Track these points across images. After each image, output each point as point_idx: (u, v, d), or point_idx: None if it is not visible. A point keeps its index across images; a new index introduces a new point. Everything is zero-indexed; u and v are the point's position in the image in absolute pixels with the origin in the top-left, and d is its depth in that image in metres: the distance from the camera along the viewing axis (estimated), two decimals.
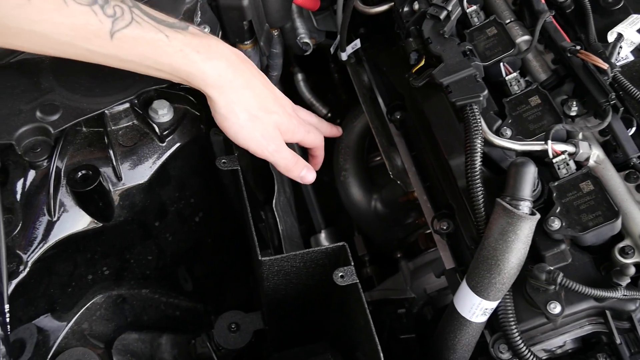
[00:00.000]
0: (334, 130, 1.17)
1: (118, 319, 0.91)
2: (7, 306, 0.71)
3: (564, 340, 0.84)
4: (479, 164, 0.83)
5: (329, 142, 1.38)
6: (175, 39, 0.81)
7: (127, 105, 0.86)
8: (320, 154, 1.10)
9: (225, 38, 1.01)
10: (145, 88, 0.84)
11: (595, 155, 0.87)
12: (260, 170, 1.16)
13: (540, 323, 0.82)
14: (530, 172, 0.78)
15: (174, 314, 0.99)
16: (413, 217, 1.30)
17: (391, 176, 1.12)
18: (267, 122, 0.91)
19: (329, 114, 1.44)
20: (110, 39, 0.77)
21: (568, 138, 0.88)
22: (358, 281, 0.80)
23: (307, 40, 1.20)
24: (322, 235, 1.40)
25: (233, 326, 0.99)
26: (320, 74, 1.54)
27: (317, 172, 1.54)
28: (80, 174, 0.81)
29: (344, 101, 1.54)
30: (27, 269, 0.78)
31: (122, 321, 0.92)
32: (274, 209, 1.20)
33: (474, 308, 0.79)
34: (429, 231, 1.27)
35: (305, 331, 1.04)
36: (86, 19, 0.75)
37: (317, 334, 1.06)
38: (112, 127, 0.86)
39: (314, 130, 1.05)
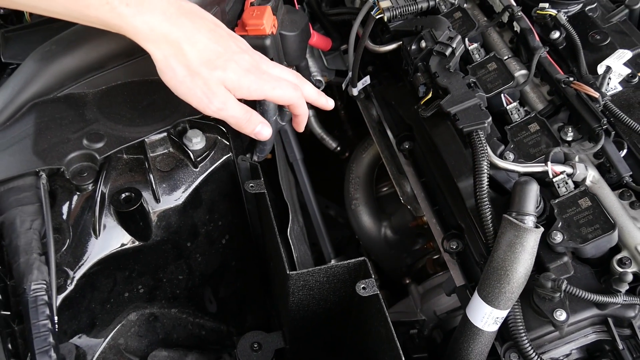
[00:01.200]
0: (322, 101, 1.07)
1: (150, 336, 0.96)
2: (55, 318, 0.77)
3: (570, 349, 0.89)
4: (486, 183, 0.90)
5: (339, 174, 1.47)
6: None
7: (164, 134, 0.94)
8: (299, 112, 1.02)
9: None
10: (180, 119, 0.92)
11: (591, 175, 0.94)
12: (274, 201, 1.22)
13: (548, 331, 0.87)
14: (533, 189, 0.85)
15: (200, 334, 1.05)
16: (420, 244, 1.36)
17: (402, 202, 1.19)
18: (209, 78, 0.85)
19: (338, 148, 1.52)
20: None
21: (566, 160, 0.96)
22: (379, 292, 0.86)
23: (319, 77, 1.29)
24: (334, 262, 1.45)
25: (255, 345, 1.04)
26: (325, 111, 1.62)
27: (325, 206, 1.61)
28: (123, 195, 0.88)
29: (349, 137, 1.63)
30: (73, 284, 0.84)
31: (155, 338, 0.97)
32: (289, 237, 1.26)
33: (486, 317, 0.84)
34: (436, 256, 1.34)
35: (324, 350, 1.09)
36: None
37: (335, 352, 1.11)
38: (151, 154, 0.93)
39: (285, 85, 0.95)
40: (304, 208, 1.54)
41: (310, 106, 1.50)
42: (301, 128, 1.08)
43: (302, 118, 1.04)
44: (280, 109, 1.27)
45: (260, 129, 0.95)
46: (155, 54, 0.84)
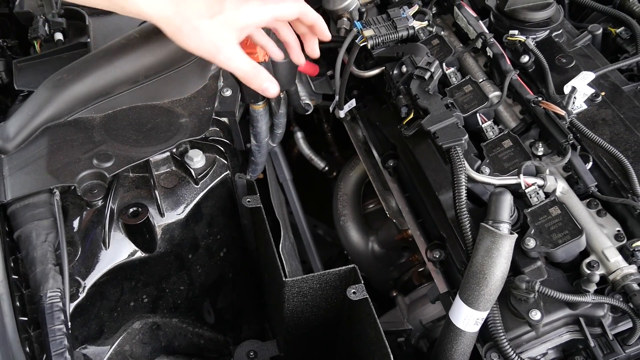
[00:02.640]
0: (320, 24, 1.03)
1: (154, 343, 1.02)
2: (69, 323, 0.83)
3: (546, 348, 0.95)
4: (465, 195, 0.98)
5: (328, 193, 1.54)
6: None
7: (167, 154, 1.01)
8: (312, 20, 1.01)
9: (243, 99, 1.17)
10: (182, 140, 0.99)
11: (560, 187, 1.02)
12: (269, 220, 1.29)
13: (525, 331, 0.94)
14: (507, 200, 0.93)
15: (199, 342, 1.10)
16: (406, 257, 1.43)
17: (388, 215, 1.26)
18: (212, 26, 0.87)
19: (326, 167, 1.59)
20: None
21: (537, 173, 1.03)
22: (368, 296, 0.93)
23: (308, 101, 1.38)
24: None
25: (251, 354, 1.10)
26: (313, 133, 1.70)
27: (314, 225, 1.67)
28: (131, 210, 0.94)
29: (336, 157, 1.71)
30: (85, 293, 0.90)
31: (157, 345, 1.02)
32: (280, 252, 1.33)
33: (467, 318, 0.91)
34: (421, 268, 1.41)
35: (317, 356, 1.15)
36: None
37: (329, 358, 1.17)
38: (155, 172, 1.00)
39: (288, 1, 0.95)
40: (294, 226, 1.61)
41: (299, 128, 1.59)
42: (325, 35, 1.04)
43: (319, 24, 1.02)
44: (272, 131, 1.35)
45: (268, 85, 0.95)
46: (159, 20, 0.87)
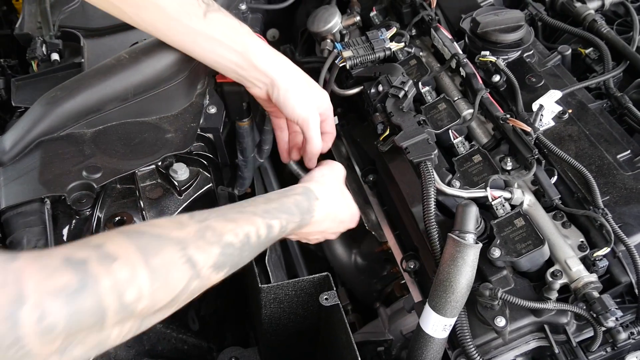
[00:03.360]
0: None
1: (138, 347, 1.07)
2: None
3: (514, 355, 0.99)
4: (434, 207, 1.03)
5: None
6: (244, 27, 1.07)
7: (153, 167, 1.07)
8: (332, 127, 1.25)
9: (229, 116, 1.23)
10: (167, 153, 1.05)
11: (528, 199, 1.07)
12: None
13: (492, 338, 0.98)
14: (473, 211, 0.98)
15: (183, 348, 1.15)
16: (388, 269, 1.48)
17: (367, 228, 1.32)
18: (314, 99, 1.13)
19: None
20: (203, 18, 1.01)
21: (506, 187, 1.09)
22: (339, 302, 0.98)
23: None
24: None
25: None
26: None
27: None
28: (117, 219, 1.00)
29: None
30: None
31: (141, 349, 1.07)
32: (267, 264, 1.38)
33: (435, 325, 0.95)
34: (403, 281, 1.45)
35: None
36: (192, 2, 1.01)
37: None
38: (141, 184, 1.06)
39: None
40: (283, 240, 1.66)
41: None
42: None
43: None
44: (259, 147, 1.42)
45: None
46: (283, 79, 1.10)
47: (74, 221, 1.00)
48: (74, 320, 0.57)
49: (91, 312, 0.59)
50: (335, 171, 1.12)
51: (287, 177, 1.72)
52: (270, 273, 1.35)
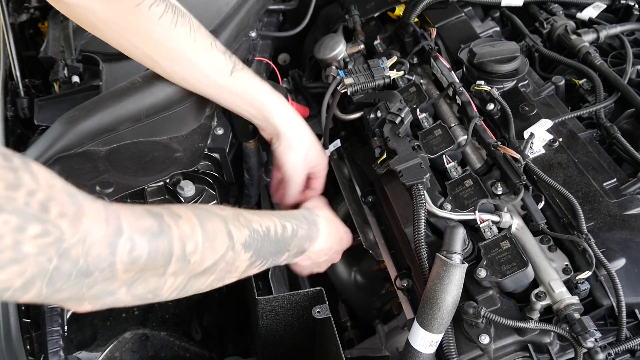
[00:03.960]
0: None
1: (142, 353, 1.13)
2: (66, 327, 0.95)
3: None
4: (423, 228, 1.08)
5: None
6: (264, 85, 1.19)
7: (161, 183, 1.14)
8: (320, 185, 1.41)
9: (235, 137, 1.31)
10: (176, 171, 1.12)
11: (516, 223, 1.11)
12: None
13: (477, 355, 1.02)
14: (460, 233, 1.02)
15: (185, 355, 1.21)
16: (387, 287, 1.53)
17: (364, 247, 1.37)
18: (308, 159, 1.27)
19: None
20: (230, 75, 1.13)
21: (496, 210, 1.14)
22: (331, 316, 1.04)
23: None
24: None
25: None
26: None
27: None
28: None
29: (331, 192, 1.82)
30: None
31: (145, 355, 1.14)
32: (270, 280, 1.44)
33: (423, 340, 0.99)
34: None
35: None
36: (220, 60, 1.13)
37: None
38: (150, 200, 1.14)
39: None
40: None
41: None
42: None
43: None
44: (266, 166, 1.49)
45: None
46: (287, 134, 1.23)
47: None
48: (152, 256, 0.71)
49: (163, 253, 0.73)
50: (323, 200, 1.29)
51: None
52: (273, 289, 1.42)
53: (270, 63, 1.49)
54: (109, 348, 1.10)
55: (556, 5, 1.55)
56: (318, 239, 1.13)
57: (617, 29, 1.47)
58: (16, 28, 1.53)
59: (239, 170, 1.45)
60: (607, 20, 1.55)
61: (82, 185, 1.06)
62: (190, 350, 1.22)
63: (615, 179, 1.14)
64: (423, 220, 1.09)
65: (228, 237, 0.85)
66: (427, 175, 1.14)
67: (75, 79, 1.34)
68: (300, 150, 1.23)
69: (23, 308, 0.94)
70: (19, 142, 1.23)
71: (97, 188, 1.06)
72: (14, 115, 1.30)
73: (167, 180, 1.14)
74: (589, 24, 1.53)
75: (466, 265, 1.01)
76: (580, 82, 1.36)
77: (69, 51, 1.35)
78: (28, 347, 0.90)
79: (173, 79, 1.14)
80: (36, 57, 1.45)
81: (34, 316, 0.95)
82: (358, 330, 1.56)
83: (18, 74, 1.31)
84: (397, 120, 1.23)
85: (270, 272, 1.42)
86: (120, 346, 1.11)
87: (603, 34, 1.46)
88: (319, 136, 1.57)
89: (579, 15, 1.55)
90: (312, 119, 1.59)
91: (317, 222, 1.15)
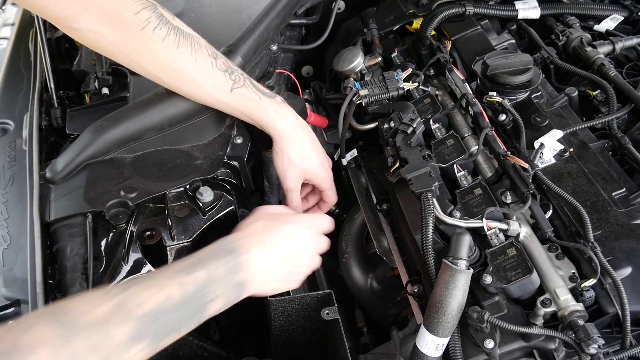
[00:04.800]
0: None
1: (161, 350, 1.19)
2: None
3: None
4: (431, 234, 1.11)
5: (335, 232, 1.69)
6: (265, 101, 1.22)
7: (182, 189, 1.20)
8: (328, 198, 1.42)
9: (255, 146, 1.36)
10: (195, 178, 1.19)
11: (524, 231, 1.13)
12: None
13: (483, 359, 1.06)
14: (465, 239, 1.05)
15: (203, 354, 1.26)
16: (402, 294, 1.55)
17: (378, 253, 1.41)
18: (301, 168, 1.27)
19: (337, 210, 1.75)
20: (229, 93, 1.19)
21: (505, 218, 1.16)
22: (339, 317, 1.07)
23: None
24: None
25: None
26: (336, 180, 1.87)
27: (335, 267, 1.81)
28: (147, 233, 1.14)
29: (352, 202, 1.86)
30: None
31: (164, 352, 1.17)
32: None
33: (429, 344, 1.02)
34: None
35: None
36: (221, 78, 1.18)
37: None
38: (170, 204, 1.20)
39: (334, 194, 1.42)
40: None
41: None
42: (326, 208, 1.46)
43: (329, 202, 1.45)
44: None
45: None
46: (279, 143, 1.25)
47: (111, 234, 1.15)
48: None
49: None
50: (258, 213, 1.16)
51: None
52: (290, 292, 1.46)
53: (291, 75, 1.55)
54: None
55: (573, 17, 1.57)
56: (251, 262, 1.01)
57: (634, 41, 1.47)
58: (53, 43, 1.62)
59: (260, 178, 1.51)
60: (625, 32, 1.56)
61: (108, 190, 1.13)
62: (208, 350, 1.27)
63: (624, 189, 1.15)
64: (431, 227, 1.12)
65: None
66: (436, 183, 1.17)
67: (105, 90, 1.42)
68: (290, 157, 1.25)
69: (50, 304, 1.01)
70: (52, 149, 1.32)
71: (122, 193, 1.13)
72: (48, 124, 1.39)
73: (188, 186, 1.20)
74: (606, 36, 1.54)
75: (471, 270, 1.04)
76: (594, 93, 1.37)
77: (100, 65, 1.44)
78: None
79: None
80: (70, 70, 1.54)
81: None
82: (374, 336, 1.59)
83: (52, 86, 1.39)
84: (409, 130, 1.26)
85: None
86: None
87: (619, 45, 1.47)
88: (337, 146, 1.62)
89: (596, 27, 1.57)
90: (331, 129, 1.65)
91: (237, 248, 1.01)
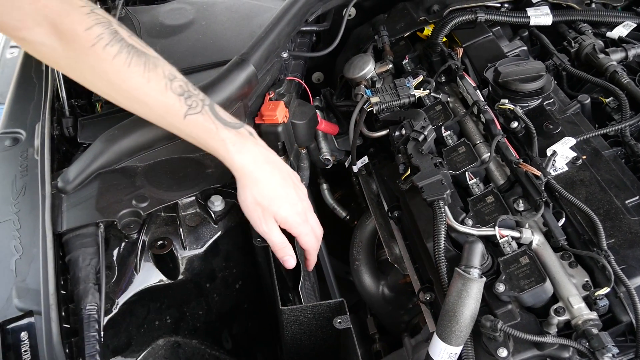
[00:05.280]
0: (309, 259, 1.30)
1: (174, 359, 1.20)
2: (102, 333, 1.02)
3: None
4: (443, 243, 1.11)
5: (349, 239, 1.69)
6: (222, 132, 1.10)
7: (193, 198, 1.21)
8: (310, 258, 1.28)
9: None
10: (206, 187, 1.19)
11: (537, 239, 1.12)
12: None
13: None
14: (478, 248, 1.05)
15: None
16: (414, 301, 1.55)
17: (389, 261, 1.40)
18: (267, 210, 1.14)
19: (348, 217, 1.75)
20: (183, 119, 1.09)
21: (517, 226, 1.15)
22: (351, 326, 1.07)
23: (328, 157, 1.56)
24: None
25: None
26: (348, 186, 1.87)
27: (345, 272, 1.81)
28: (159, 243, 1.15)
29: (363, 208, 1.86)
30: (117, 309, 1.10)
31: None
32: (300, 291, 1.48)
33: (442, 352, 1.02)
34: None
35: None
36: (174, 102, 1.08)
37: None
38: (182, 213, 1.20)
39: (313, 236, 1.23)
40: (320, 270, 1.76)
41: (324, 180, 1.76)
42: (309, 268, 1.33)
43: (311, 262, 1.31)
44: None
45: (288, 258, 1.19)
46: (240, 181, 1.14)
47: (122, 244, 1.15)
48: None
49: None
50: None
51: (325, 211, 1.84)
52: (302, 300, 1.46)
53: (302, 82, 1.55)
54: (143, 354, 1.17)
55: (585, 24, 1.56)
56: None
57: None
58: None
59: None
60: (638, 39, 1.54)
61: (120, 200, 1.14)
62: (220, 359, 1.27)
63: (637, 197, 1.14)
64: (443, 235, 1.12)
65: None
66: (448, 191, 1.17)
67: None
68: (254, 198, 1.14)
69: (64, 314, 1.02)
70: (64, 158, 1.32)
71: (134, 202, 1.14)
72: (60, 133, 1.40)
73: (199, 195, 1.21)
74: (619, 42, 1.53)
75: (484, 279, 1.03)
76: (607, 100, 1.36)
77: None
78: (67, 350, 0.97)
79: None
80: None
81: (73, 322, 1.03)
82: (386, 343, 1.58)
83: (64, 95, 1.40)
84: (421, 138, 1.26)
85: (300, 284, 1.46)
86: (153, 352, 1.18)
87: (632, 52, 1.46)
88: (347, 153, 1.62)
89: (609, 34, 1.56)
90: (342, 136, 1.64)
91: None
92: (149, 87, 1.07)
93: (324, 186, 1.74)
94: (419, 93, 1.39)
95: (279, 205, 1.15)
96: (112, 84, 1.07)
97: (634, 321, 1.00)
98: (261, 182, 1.13)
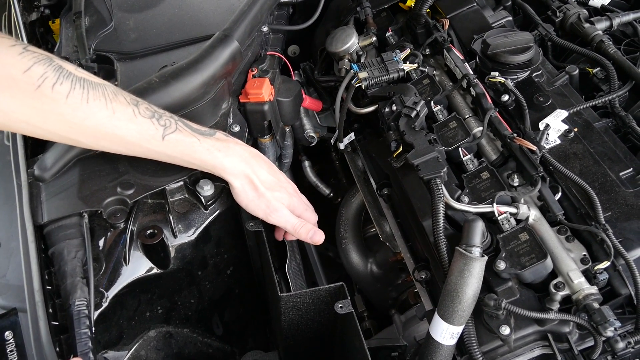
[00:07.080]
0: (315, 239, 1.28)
1: (167, 350, 1.15)
2: (93, 328, 0.97)
3: None
4: (442, 221, 1.09)
5: (332, 216, 1.66)
6: (204, 142, 1.09)
7: (181, 183, 1.15)
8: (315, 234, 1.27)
9: (251, 133, 1.31)
10: (193, 171, 1.13)
11: (533, 214, 1.11)
12: (274, 242, 1.41)
13: (498, 345, 1.03)
14: (479, 226, 1.03)
15: (208, 351, 1.23)
16: (402, 278, 1.54)
17: (381, 239, 1.38)
18: (270, 197, 1.15)
19: (331, 194, 1.72)
20: (162, 141, 1.04)
21: (513, 202, 1.14)
22: (353, 311, 1.05)
23: (312, 134, 1.51)
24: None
25: None
26: (324, 162, 1.84)
27: (325, 248, 1.79)
28: (148, 232, 1.09)
29: (344, 184, 1.83)
30: (107, 303, 1.05)
31: (170, 352, 1.16)
32: (287, 272, 1.45)
33: (444, 332, 1.01)
34: (417, 289, 1.51)
35: None
36: (148, 127, 1.03)
37: None
38: (170, 199, 1.14)
39: (310, 210, 1.28)
40: (303, 249, 1.73)
41: (306, 157, 1.72)
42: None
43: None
44: (280, 160, 1.49)
45: (313, 234, 1.21)
46: (234, 183, 1.13)
47: (109, 234, 1.09)
48: None
49: None
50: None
51: (306, 188, 1.80)
52: (290, 281, 1.42)
53: (282, 57, 1.49)
54: (135, 347, 1.12)
55: None
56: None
57: (630, 16, 1.46)
58: (27, 27, 1.52)
59: None
60: (620, 7, 1.54)
61: (103, 187, 1.07)
62: (212, 346, 1.23)
63: (631, 169, 1.15)
64: (442, 214, 1.10)
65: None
66: (445, 169, 1.14)
67: None
68: (260, 191, 1.15)
69: (51, 311, 0.96)
70: (36, 144, 1.23)
71: (118, 189, 1.07)
72: None
73: (187, 180, 1.15)
74: (602, 11, 1.52)
75: (486, 258, 1.02)
76: (594, 70, 1.36)
77: (82, 51, 1.34)
78: (58, 349, 0.92)
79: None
80: None
81: (61, 319, 0.97)
82: (375, 321, 1.58)
83: None
84: (413, 114, 1.23)
85: (287, 264, 1.43)
86: (145, 344, 1.13)
87: (616, 21, 1.45)
88: (333, 129, 1.58)
89: (592, 2, 1.55)
90: (324, 112, 1.60)
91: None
92: (116, 118, 1.00)
93: (306, 163, 1.70)
94: (408, 67, 1.35)
95: (279, 190, 1.17)
96: (72, 125, 0.97)
97: (633, 294, 1.01)
98: (255, 177, 1.14)
